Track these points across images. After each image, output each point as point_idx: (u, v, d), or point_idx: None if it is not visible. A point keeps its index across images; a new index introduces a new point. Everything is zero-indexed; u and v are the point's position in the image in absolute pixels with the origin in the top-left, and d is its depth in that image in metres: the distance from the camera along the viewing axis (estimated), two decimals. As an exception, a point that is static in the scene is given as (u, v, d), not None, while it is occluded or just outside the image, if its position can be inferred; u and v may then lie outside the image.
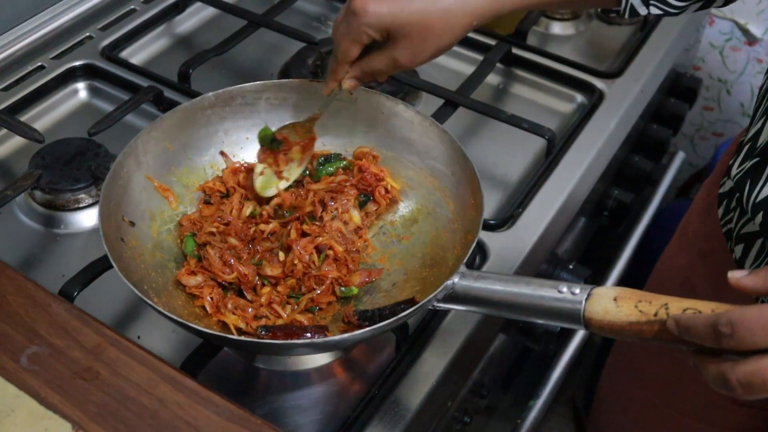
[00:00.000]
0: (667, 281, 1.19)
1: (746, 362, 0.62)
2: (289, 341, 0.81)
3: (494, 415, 1.37)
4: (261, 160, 0.99)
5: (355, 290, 0.92)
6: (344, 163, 1.00)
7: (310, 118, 1.00)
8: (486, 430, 1.36)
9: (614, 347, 1.45)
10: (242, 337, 0.84)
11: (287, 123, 1.00)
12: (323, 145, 1.03)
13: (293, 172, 0.98)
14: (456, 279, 0.81)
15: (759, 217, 0.90)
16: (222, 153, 1.01)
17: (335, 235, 0.93)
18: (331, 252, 0.92)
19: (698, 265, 1.10)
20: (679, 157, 1.55)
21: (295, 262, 0.91)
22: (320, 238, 0.92)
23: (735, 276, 0.68)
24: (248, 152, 1.02)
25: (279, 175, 0.97)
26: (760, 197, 0.90)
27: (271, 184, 0.97)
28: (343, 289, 0.92)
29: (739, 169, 0.95)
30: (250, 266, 0.91)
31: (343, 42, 0.90)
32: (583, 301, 0.73)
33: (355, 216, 0.96)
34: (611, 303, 0.72)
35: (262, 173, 0.97)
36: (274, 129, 1.00)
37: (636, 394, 1.32)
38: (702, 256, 1.10)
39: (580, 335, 1.23)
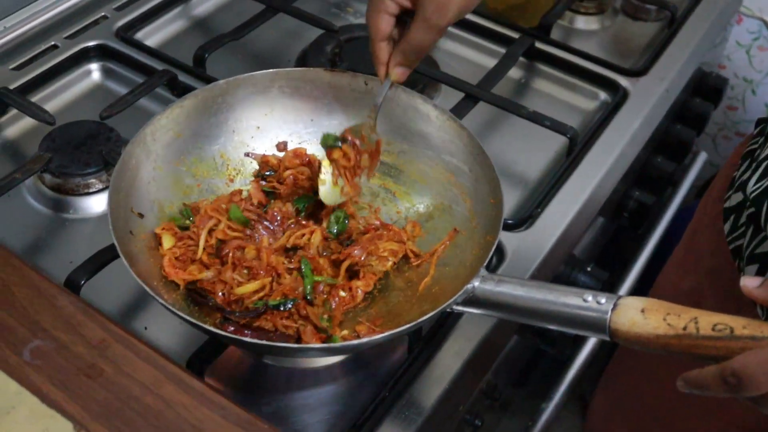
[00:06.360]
0: None
1: None
2: (302, 345, 0.79)
3: (507, 411, 1.35)
4: (331, 161, 0.94)
5: None
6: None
7: (371, 118, 0.96)
8: (497, 429, 1.34)
9: (613, 358, 1.41)
10: (253, 340, 0.82)
11: (351, 125, 0.96)
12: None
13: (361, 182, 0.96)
14: (476, 282, 0.79)
15: None
16: (247, 154, 1.00)
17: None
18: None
19: (707, 287, 1.06)
20: (702, 158, 1.52)
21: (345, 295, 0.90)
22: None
23: (747, 286, 0.70)
24: (258, 142, 1.00)
25: (351, 183, 0.94)
26: None
27: (335, 195, 0.94)
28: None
29: (757, 186, 0.91)
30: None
31: (371, 16, 0.88)
32: (609, 311, 0.71)
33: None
34: (638, 314, 0.70)
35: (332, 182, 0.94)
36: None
37: (627, 413, 1.29)
38: (711, 276, 1.06)
39: (594, 340, 1.21)
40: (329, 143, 0.95)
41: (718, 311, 1.01)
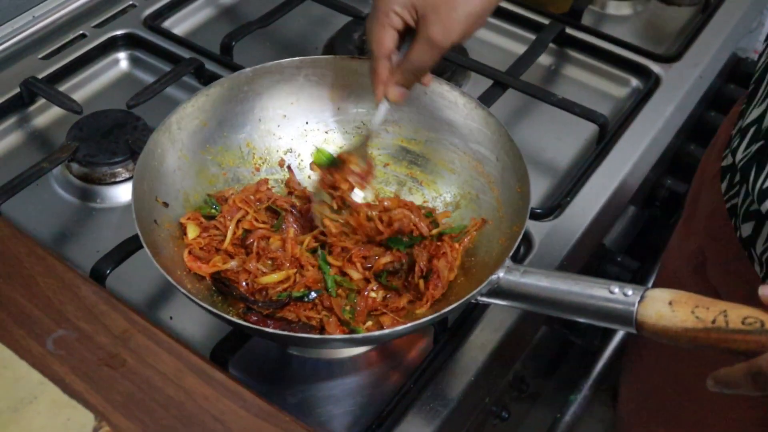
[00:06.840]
0: (679, 271, 1.10)
1: None
2: (324, 336, 0.79)
3: (535, 403, 1.34)
4: (321, 184, 0.94)
5: None
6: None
7: (364, 139, 0.95)
8: (525, 420, 1.33)
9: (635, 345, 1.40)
10: (275, 330, 0.81)
11: (346, 149, 0.97)
12: (363, 124, 1.00)
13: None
14: (501, 273, 0.78)
15: (766, 204, 0.84)
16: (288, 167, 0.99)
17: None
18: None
19: (709, 249, 1.03)
20: (736, 145, 1.49)
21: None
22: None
23: (766, 294, 0.66)
24: (285, 130, 0.99)
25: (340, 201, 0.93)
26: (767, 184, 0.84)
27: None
28: None
29: (745, 153, 0.89)
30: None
31: (374, 31, 0.85)
32: (636, 304, 0.70)
33: None
34: (666, 307, 0.69)
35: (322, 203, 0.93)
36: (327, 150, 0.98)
37: (655, 401, 1.27)
38: (711, 237, 1.03)
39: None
40: (323, 162, 0.95)
41: (720, 273, 0.98)
